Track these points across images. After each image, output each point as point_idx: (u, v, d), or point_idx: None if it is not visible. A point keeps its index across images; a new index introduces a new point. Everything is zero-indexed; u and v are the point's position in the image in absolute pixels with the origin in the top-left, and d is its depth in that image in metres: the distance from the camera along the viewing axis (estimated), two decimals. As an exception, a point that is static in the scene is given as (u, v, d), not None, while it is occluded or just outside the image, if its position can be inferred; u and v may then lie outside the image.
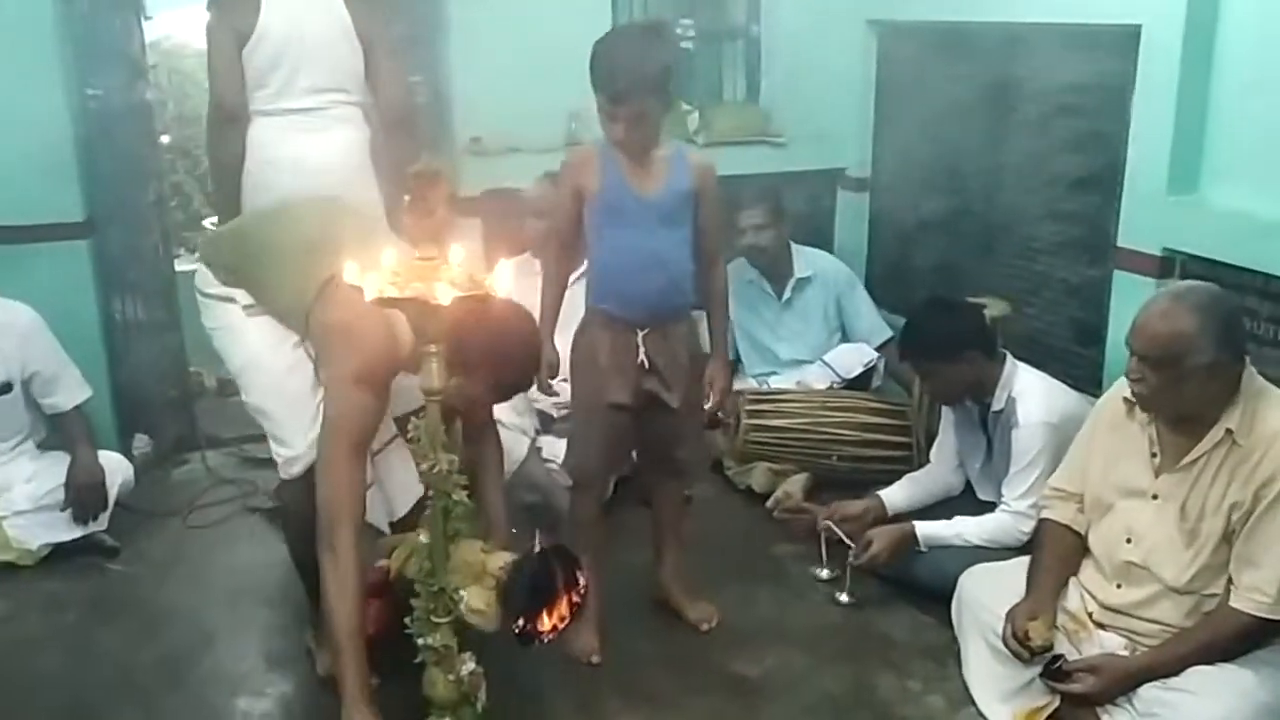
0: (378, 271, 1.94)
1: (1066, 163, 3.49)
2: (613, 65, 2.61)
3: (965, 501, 3.25)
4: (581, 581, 2.26)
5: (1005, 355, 3.07)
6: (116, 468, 3.50)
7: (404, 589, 2.25)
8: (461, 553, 2.25)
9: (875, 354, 4.00)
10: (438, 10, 4.11)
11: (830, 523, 3.22)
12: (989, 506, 3.12)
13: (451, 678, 2.11)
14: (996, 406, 3.05)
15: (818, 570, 3.27)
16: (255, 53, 3.22)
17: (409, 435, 2.01)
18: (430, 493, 2.02)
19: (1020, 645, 2.52)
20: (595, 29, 2.71)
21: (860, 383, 3.93)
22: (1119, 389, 2.64)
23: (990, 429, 3.10)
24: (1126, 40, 3.17)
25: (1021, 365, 3.08)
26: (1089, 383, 3.33)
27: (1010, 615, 2.58)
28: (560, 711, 2.68)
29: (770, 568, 3.37)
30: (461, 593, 2.15)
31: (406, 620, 2.22)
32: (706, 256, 2.85)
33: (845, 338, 4.16)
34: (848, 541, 3.17)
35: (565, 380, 2.90)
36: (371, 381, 2.32)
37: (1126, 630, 2.55)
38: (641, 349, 2.78)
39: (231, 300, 2.63)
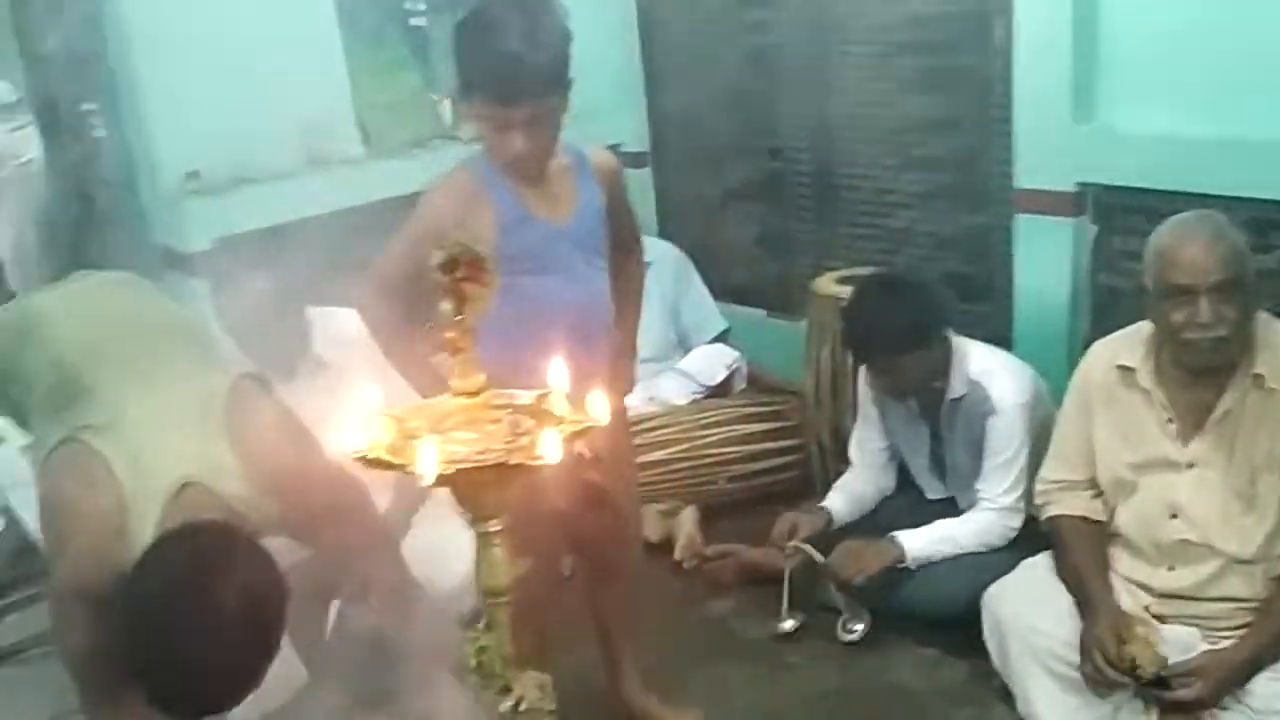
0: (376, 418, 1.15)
1: (918, 104, 3.16)
2: (499, 52, 1.90)
3: (909, 504, 2.84)
4: None
5: (949, 332, 2.67)
6: None
7: None
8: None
9: (736, 354, 3.48)
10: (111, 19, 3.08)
11: (800, 543, 2.68)
12: (943, 506, 2.74)
13: None
14: (956, 393, 2.63)
15: (780, 623, 2.74)
16: None
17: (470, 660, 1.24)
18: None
19: (1126, 674, 2.15)
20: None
21: (722, 389, 3.41)
22: (1102, 357, 2.35)
23: (945, 419, 2.69)
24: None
25: (968, 341, 2.69)
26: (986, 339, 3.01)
27: (1094, 646, 2.20)
28: None
29: (716, 635, 2.82)
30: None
31: None
32: (623, 250, 2.25)
33: (678, 330, 3.63)
34: (818, 558, 2.67)
35: None
36: (87, 593, 1.68)
37: (1193, 616, 2.26)
38: None
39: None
